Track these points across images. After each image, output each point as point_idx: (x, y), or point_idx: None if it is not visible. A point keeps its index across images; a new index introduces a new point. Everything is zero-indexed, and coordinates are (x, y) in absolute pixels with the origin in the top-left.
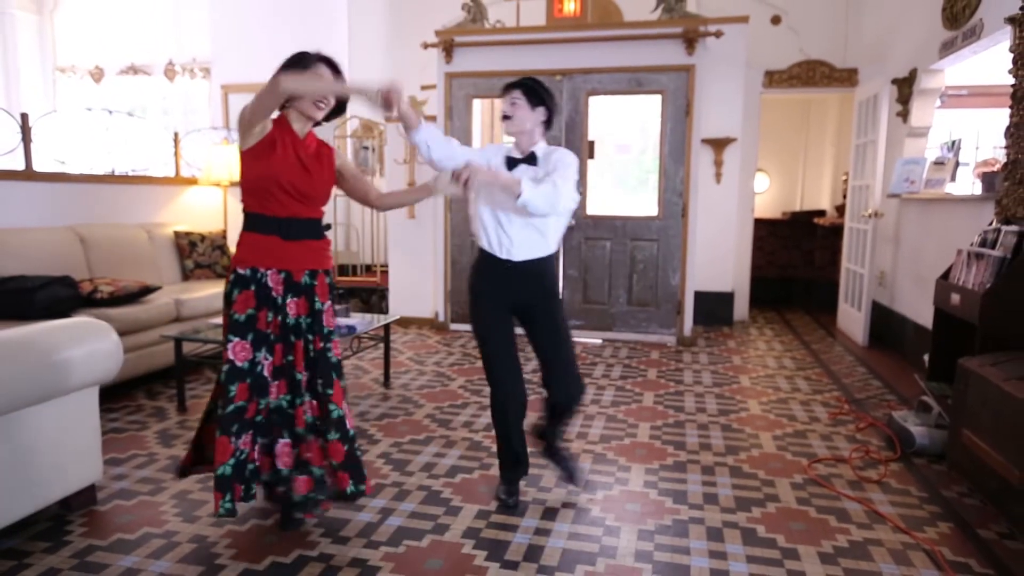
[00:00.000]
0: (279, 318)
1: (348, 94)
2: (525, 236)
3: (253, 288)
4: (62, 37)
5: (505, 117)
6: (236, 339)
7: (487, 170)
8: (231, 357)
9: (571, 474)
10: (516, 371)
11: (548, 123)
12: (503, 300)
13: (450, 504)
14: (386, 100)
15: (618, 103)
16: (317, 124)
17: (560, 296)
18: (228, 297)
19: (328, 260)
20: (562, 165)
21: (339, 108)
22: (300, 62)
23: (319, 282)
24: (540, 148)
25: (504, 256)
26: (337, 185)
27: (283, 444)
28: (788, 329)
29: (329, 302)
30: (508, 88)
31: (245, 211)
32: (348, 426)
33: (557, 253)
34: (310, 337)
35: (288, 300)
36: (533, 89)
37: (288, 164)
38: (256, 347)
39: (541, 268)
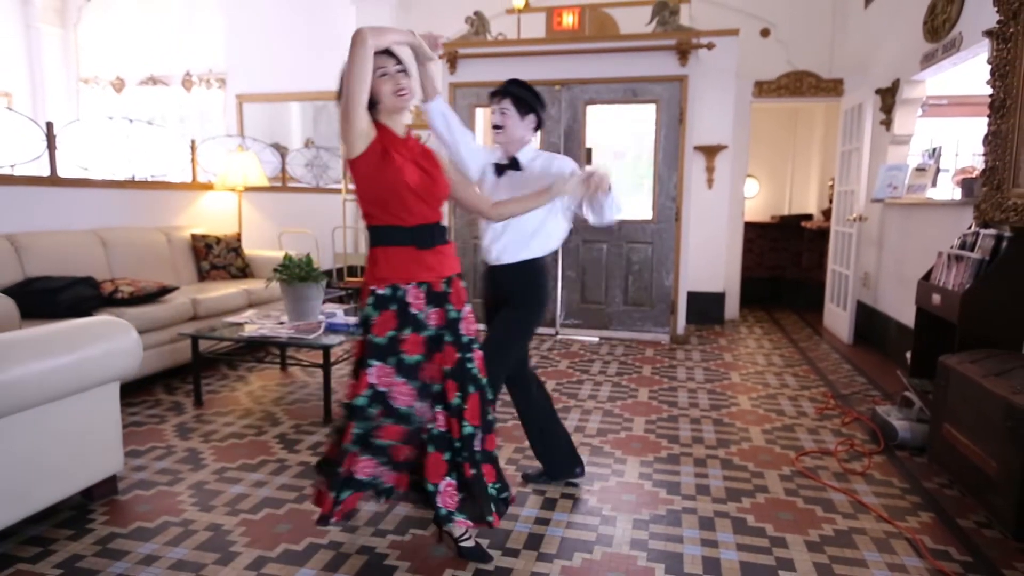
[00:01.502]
0: (422, 335)
1: (413, 41)
2: (507, 239)
3: (394, 308)
4: (85, 50)
5: (495, 127)
6: (377, 363)
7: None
8: (373, 382)
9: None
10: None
11: (537, 128)
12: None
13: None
14: (432, 43)
15: (614, 112)
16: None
17: (531, 306)
18: (367, 320)
19: (458, 263)
20: (575, 166)
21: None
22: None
23: (455, 289)
24: (525, 154)
25: (492, 261)
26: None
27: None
28: (777, 328)
29: (467, 307)
30: (495, 96)
31: (371, 225)
32: (476, 447)
33: (545, 260)
34: (446, 347)
35: (429, 312)
36: (521, 98)
37: (410, 168)
38: (399, 371)
39: (513, 273)
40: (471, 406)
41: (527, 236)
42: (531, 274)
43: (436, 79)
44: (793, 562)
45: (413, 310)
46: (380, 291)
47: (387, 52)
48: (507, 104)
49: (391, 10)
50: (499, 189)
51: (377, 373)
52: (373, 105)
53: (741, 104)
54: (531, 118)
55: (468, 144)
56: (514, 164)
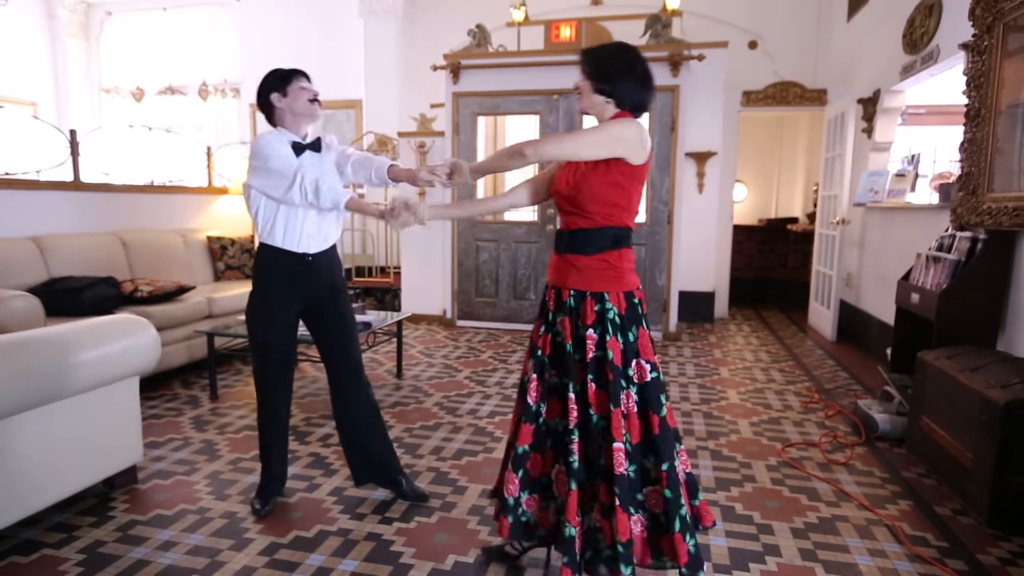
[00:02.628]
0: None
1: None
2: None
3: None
4: (107, 61)
5: (312, 100)
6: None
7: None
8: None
9: (420, 495)
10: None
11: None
12: (296, 297)
13: (457, 484)
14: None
15: None
16: None
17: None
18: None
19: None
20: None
21: None
22: (285, 80)
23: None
24: (323, 135)
25: (303, 250)
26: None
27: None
28: (764, 325)
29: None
30: (304, 77)
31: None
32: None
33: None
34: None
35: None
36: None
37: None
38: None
39: (333, 257)
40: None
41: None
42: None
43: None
44: (779, 548)
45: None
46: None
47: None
48: (310, 83)
49: (397, 24)
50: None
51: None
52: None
53: (730, 113)
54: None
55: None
56: (314, 144)
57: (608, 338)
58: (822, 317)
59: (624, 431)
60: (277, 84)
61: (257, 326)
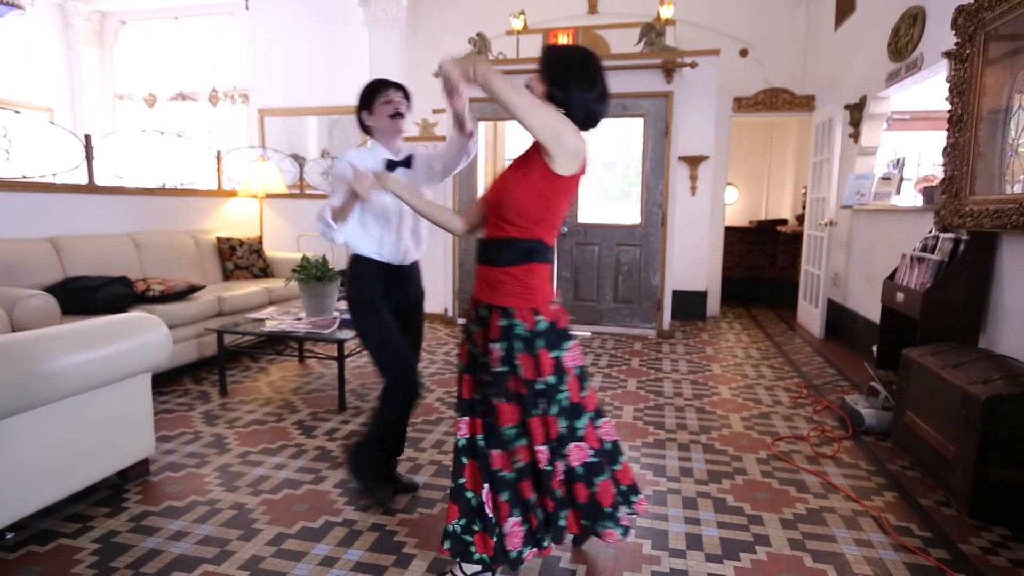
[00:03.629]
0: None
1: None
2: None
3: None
4: (120, 69)
5: (393, 116)
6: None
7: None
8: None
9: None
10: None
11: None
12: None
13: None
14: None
15: (605, 125)
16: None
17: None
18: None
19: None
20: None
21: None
22: (370, 97)
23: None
24: (411, 149)
25: (397, 261)
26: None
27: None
28: (754, 323)
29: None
30: (392, 87)
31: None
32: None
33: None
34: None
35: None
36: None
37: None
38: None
39: (417, 266)
40: None
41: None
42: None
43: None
44: (769, 538)
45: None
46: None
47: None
48: (401, 96)
49: (401, 32)
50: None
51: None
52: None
53: (722, 118)
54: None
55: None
56: (407, 162)
57: (517, 354)
58: (810, 315)
59: (544, 434)
60: (365, 101)
61: (365, 329)
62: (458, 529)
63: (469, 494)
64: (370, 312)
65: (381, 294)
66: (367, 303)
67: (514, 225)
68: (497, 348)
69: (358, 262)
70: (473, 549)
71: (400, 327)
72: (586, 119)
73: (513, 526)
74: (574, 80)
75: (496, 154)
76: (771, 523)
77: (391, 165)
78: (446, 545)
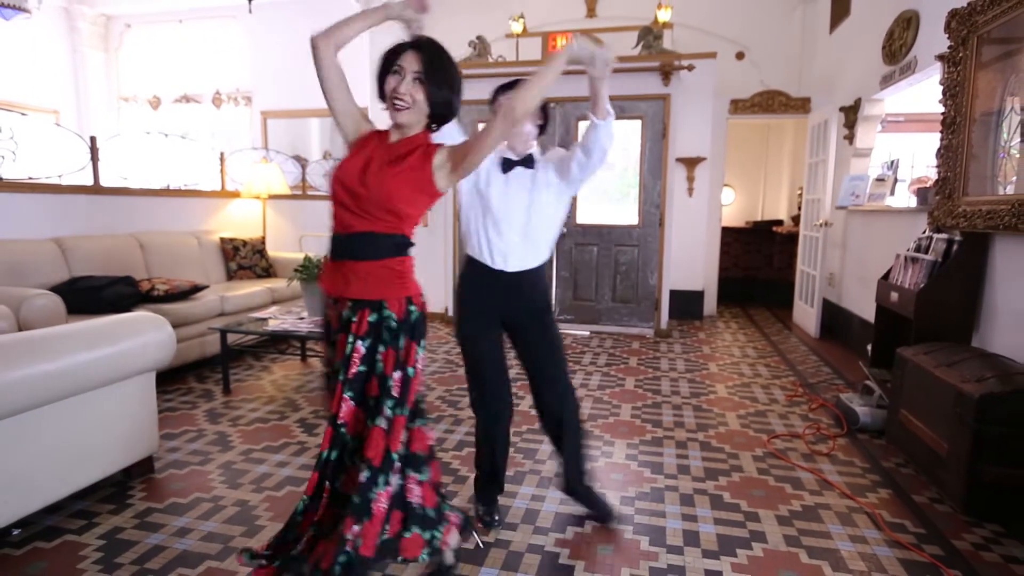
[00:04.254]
0: None
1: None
2: (518, 246)
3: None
4: (125, 71)
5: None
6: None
7: None
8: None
9: (602, 513)
10: (502, 377)
11: (543, 126)
12: (492, 310)
13: (458, 474)
14: (419, 4)
15: None
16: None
17: (549, 301)
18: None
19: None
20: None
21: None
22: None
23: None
24: (537, 151)
25: (498, 266)
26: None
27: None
28: (750, 323)
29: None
30: (504, 89)
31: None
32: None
33: (548, 261)
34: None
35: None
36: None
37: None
38: None
39: (534, 278)
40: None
41: (540, 243)
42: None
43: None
44: (765, 534)
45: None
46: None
47: (419, 48)
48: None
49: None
50: (510, 188)
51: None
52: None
53: (718, 120)
54: (537, 113)
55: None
56: (527, 161)
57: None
58: (806, 315)
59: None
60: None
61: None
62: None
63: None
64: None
65: (483, 301)
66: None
67: (385, 220)
68: (361, 345)
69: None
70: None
71: (513, 342)
72: (439, 123)
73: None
74: (455, 84)
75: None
76: (767, 520)
77: (507, 164)
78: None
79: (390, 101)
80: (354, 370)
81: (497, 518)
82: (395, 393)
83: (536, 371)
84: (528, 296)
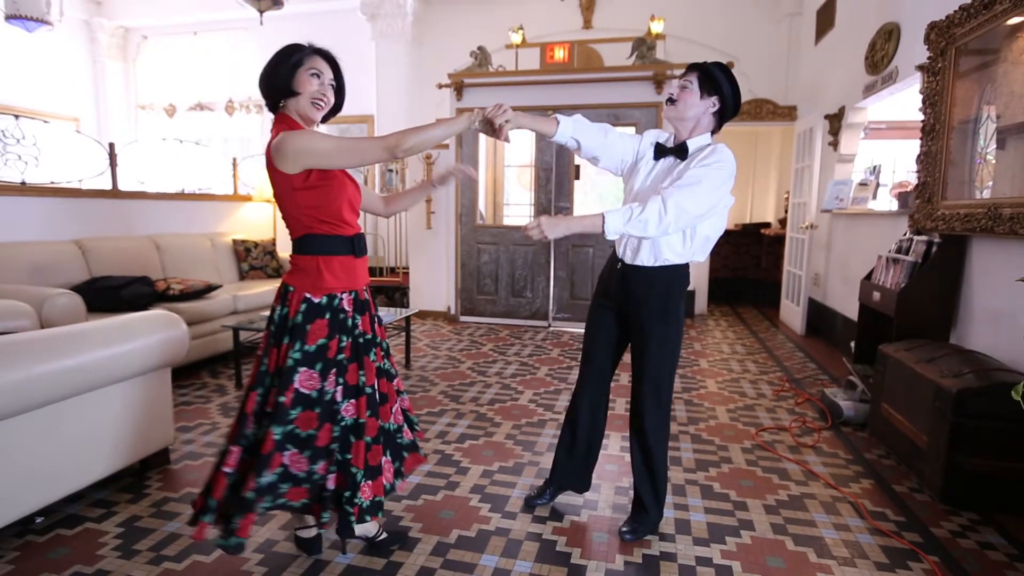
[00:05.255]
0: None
1: (452, 135)
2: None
3: (328, 316)
4: (142, 80)
5: (669, 100)
6: (304, 369)
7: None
8: (299, 387)
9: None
10: (599, 374)
11: (721, 116)
12: (610, 301)
13: (460, 465)
14: (488, 123)
15: None
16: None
17: (672, 317)
18: (300, 327)
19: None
20: (712, 165)
21: (337, 107)
22: (292, 54)
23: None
24: (697, 142)
25: (620, 255)
26: None
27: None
28: (739, 321)
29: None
30: (687, 70)
31: (311, 234)
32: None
33: (681, 268)
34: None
35: (359, 319)
36: (710, 74)
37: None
38: (323, 375)
39: (650, 277)
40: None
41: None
42: (673, 282)
43: (536, 126)
44: (753, 523)
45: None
46: (316, 299)
47: (328, 59)
48: (691, 78)
49: (406, 46)
50: (654, 175)
51: (303, 379)
52: (288, 95)
53: None
54: (713, 100)
55: (610, 148)
56: (680, 150)
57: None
58: (792, 313)
59: None
60: None
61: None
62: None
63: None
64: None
65: (603, 284)
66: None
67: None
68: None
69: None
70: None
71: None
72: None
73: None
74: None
75: (496, 160)
76: (755, 509)
77: (659, 151)
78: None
79: (309, 100)
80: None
81: (542, 500)
82: None
83: (632, 378)
84: (639, 295)
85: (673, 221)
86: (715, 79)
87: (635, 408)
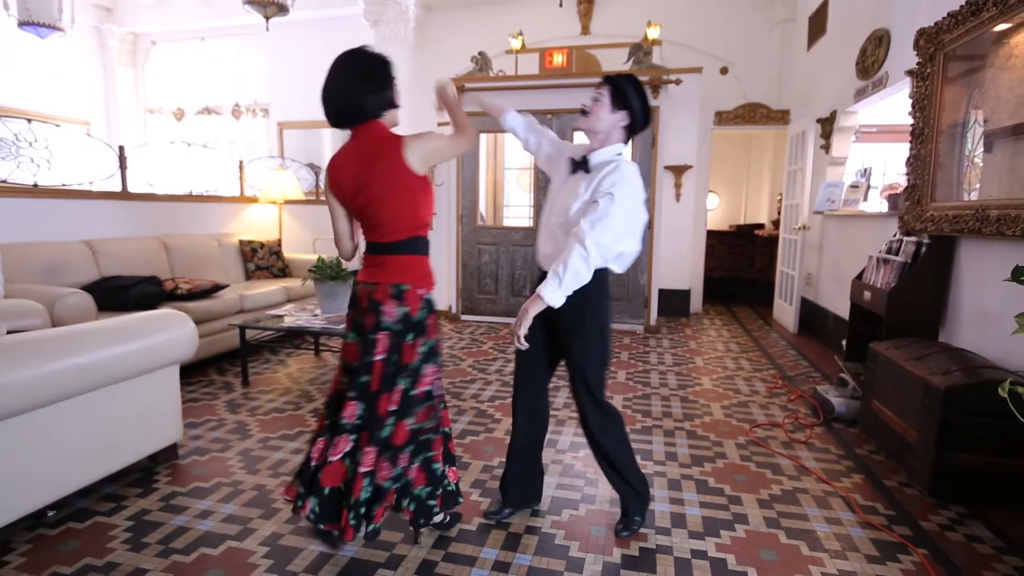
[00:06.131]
0: None
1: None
2: (552, 245)
3: (435, 313)
4: (151, 85)
5: (583, 112)
6: (435, 364)
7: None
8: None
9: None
10: (531, 385)
11: (631, 129)
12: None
13: (461, 460)
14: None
15: None
16: None
17: (589, 321)
18: (422, 323)
19: None
20: (618, 190)
21: None
22: (391, 69)
23: None
24: (602, 154)
25: (540, 266)
26: None
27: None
28: (734, 320)
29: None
30: (600, 83)
31: (420, 236)
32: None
33: (599, 274)
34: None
35: None
36: (620, 89)
37: None
38: (440, 369)
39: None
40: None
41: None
42: (589, 290)
43: (487, 107)
44: (747, 516)
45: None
46: (428, 296)
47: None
48: (603, 91)
49: (409, 52)
50: (566, 186)
51: (430, 373)
52: (392, 107)
53: (704, 130)
54: (623, 115)
55: (545, 142)
56: (583, 164)
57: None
58: (785, 312)
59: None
60: None
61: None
62: (423, 495)
63: (436, 465)
64: None
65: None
66: None
67: None
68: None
69: None
70: (436, 510)
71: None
72: None
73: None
74: None
75: (496, 163)
76: (749, 503)
77: (574, 165)
78: (412, 508)
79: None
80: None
81: (496, 517)
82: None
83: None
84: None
85: (598, 257)
86: (625, 94)
87: (579, 410)
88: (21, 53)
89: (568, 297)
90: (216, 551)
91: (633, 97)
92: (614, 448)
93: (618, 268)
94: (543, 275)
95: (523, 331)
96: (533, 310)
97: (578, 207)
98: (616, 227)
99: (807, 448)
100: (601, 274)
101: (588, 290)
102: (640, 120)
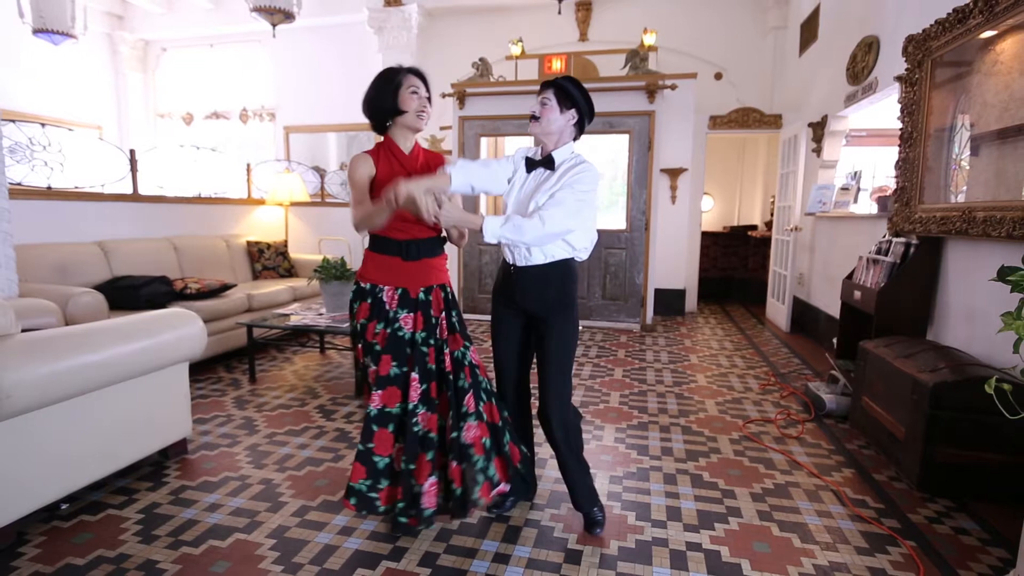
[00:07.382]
0: (388, 331)
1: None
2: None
3: (370, 300)
4: (161, 90)
5: (533, 118)
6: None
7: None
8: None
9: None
10: (514, 382)
11: (580, 126)
12: (511, 307)
13: None
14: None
15: (594, 140)
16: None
17: (567, 307)
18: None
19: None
20: (576, 183)
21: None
22: (392, 79)
23: (434, 297)
24: (562, 153)
25: (511, 260)
26: None
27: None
28: (728, 318)
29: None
30: (542, 87)
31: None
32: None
33: (570, 261)
34: (424, 349)
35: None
36: (565, 89)
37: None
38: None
39: (546, 271)
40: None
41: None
42: (563, 277)
43: (436, 191)
44: (740, 510)
45: (387, 308)
46: (362, 284)
47: (420, 77)
48: (548, 95)
49: (412, 57)
50: (525, 187)
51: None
52: (396, 114)
53: (699, 134)
54: (572, 114)
55: (498, 181)
56: (548, 162)
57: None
58: (778, 311)
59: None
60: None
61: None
62: (364, 488)
63: (376, 457)
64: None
65: (500, 295)
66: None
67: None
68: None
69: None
70: (379, 503)
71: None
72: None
73: (430, 486)
74: None
75: None
76: (742, 497)
77: (530, 164)
78: (352, 501)
79: (415, 114)
80: (446, 335)
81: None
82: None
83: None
84: (534, 296)
85: (547, 229)
86: (570, 94)
87: (543, 397)
88: (35, 60)
89: (551, 283)
90: (224, 543)
91: (577, 95)
92: (576, 438)
93: (584, 254)
94: (508, 267)
95: (448, 222)
96: (469, 223)
97: (547, 200)
98: (571, 215)
99: (799, 443)
100: (574, 263)
101: (566, 275)
102: (587, 114)
